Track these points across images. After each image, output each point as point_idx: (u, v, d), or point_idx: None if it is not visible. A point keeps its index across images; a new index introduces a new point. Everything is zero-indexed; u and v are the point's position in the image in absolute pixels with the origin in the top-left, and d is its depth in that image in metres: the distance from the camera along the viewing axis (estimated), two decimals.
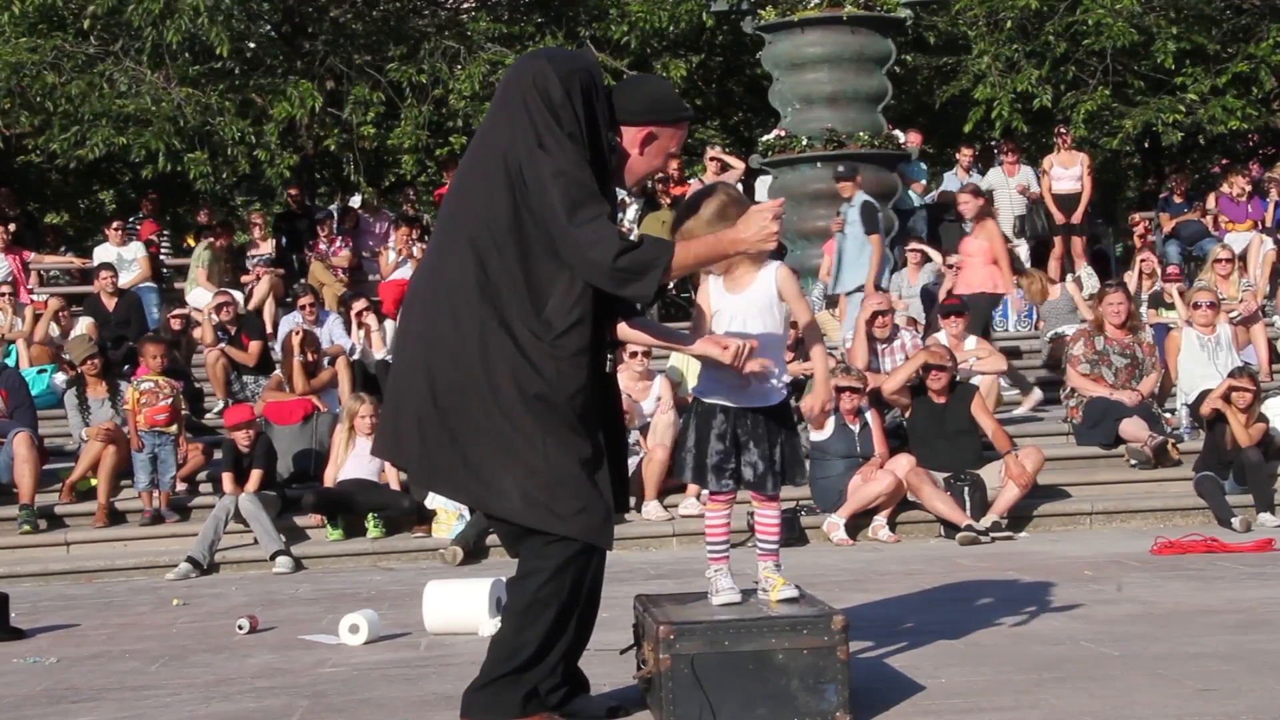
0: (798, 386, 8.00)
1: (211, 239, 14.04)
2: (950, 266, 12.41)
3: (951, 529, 8.29)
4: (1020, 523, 8.59)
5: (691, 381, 9.88)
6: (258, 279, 13.45)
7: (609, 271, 3.44)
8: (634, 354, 9.46)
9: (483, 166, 3.57)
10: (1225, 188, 14.33)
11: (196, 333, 12.02)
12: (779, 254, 4.35)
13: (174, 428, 9.29)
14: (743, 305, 4.07)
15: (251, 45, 16.14)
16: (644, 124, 3.64)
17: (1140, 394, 9.56)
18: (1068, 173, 14.08)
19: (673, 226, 3.98)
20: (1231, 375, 8.96)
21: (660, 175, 15.84)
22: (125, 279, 13.30)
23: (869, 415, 8.81)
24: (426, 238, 14.51)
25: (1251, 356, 10.76)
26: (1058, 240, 13.96)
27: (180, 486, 9.44)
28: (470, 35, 16.38)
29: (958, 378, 9.04)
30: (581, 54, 3.76)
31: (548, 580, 3.62)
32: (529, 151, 3.46)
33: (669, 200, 14.92)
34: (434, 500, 8.70)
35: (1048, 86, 16.00)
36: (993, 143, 17.17)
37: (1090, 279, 12.75)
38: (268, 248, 14.68)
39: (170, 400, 9.28)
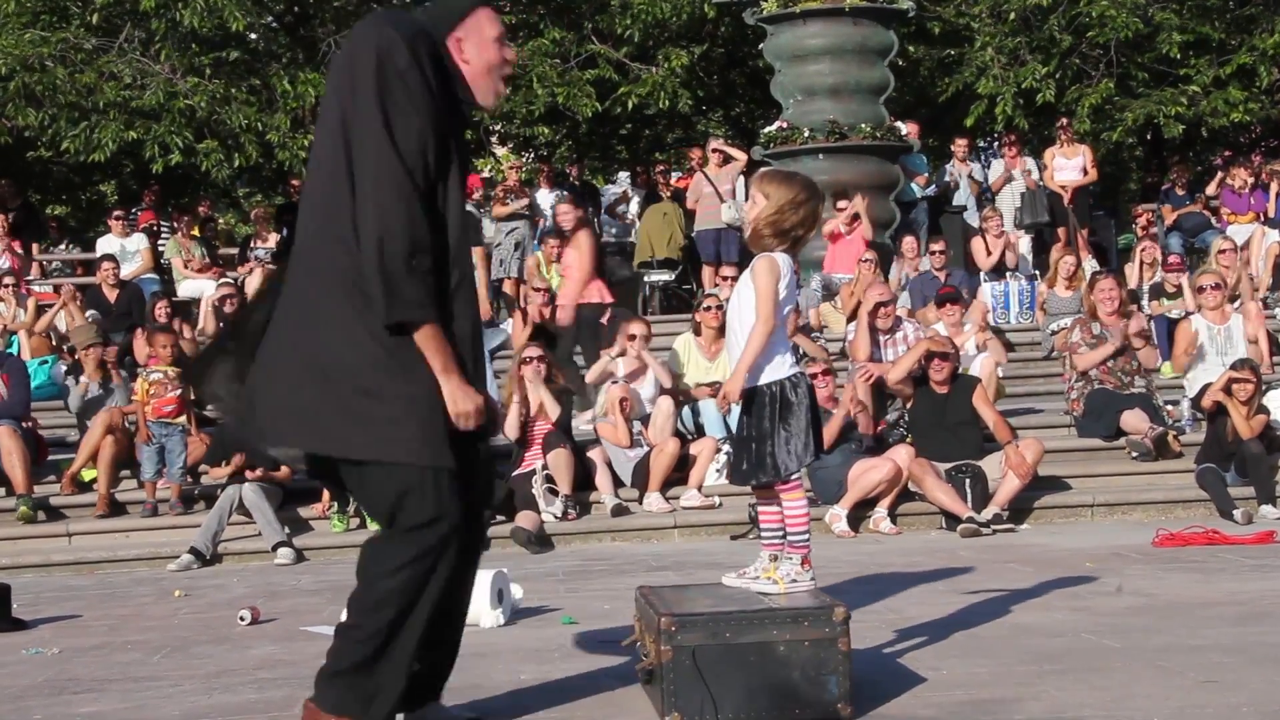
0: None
1: (178, 230, 14.03)
2: (934, 254, 12.42)
3: (952, 520, 8.28)
4: (1021, 515, 8.59)
5: (691, 372, 9.97)
6: (250, 272, 13.42)
7: (394, 263, 3.23)
8: (631, 336, 9.47)
9: (337, 148, 3.35)
10: (1228, 180, 14.31)
11: (191, 327, 11.98)
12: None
13: (183, 419, 9.29)
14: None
15: (253, 36, 16.13)
16: (451, 32, 3.43)
17: (1140, 318, 9.78)
18: (1070, 164, 14.07)
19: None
20: (1233, 367, 8.95)
21: (660, 167, 15.85)
22: (127, 270, 13.28)
23: (843, 397, 8.82)
24: None
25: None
26: (1060, 232, 13.95)
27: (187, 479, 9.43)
28: None
29: (960, 368, 9.03)
30: (412, 16, 3.52)
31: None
32: (365, 125, 3.27)
33: (669, 193, 14.92)
34: None
35: (1051, 82, 15.97)
36: (994, 135, 17.15)
37: (1094, 270, 12.72)
38: (272, 240, 14.65)
39: (179, 391, 9.27)
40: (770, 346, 4.24)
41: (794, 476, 4.24)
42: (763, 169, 4.35)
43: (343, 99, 3.34)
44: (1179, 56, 16.17)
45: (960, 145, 14.96)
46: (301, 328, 3.38)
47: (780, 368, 4.26)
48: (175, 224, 14.26)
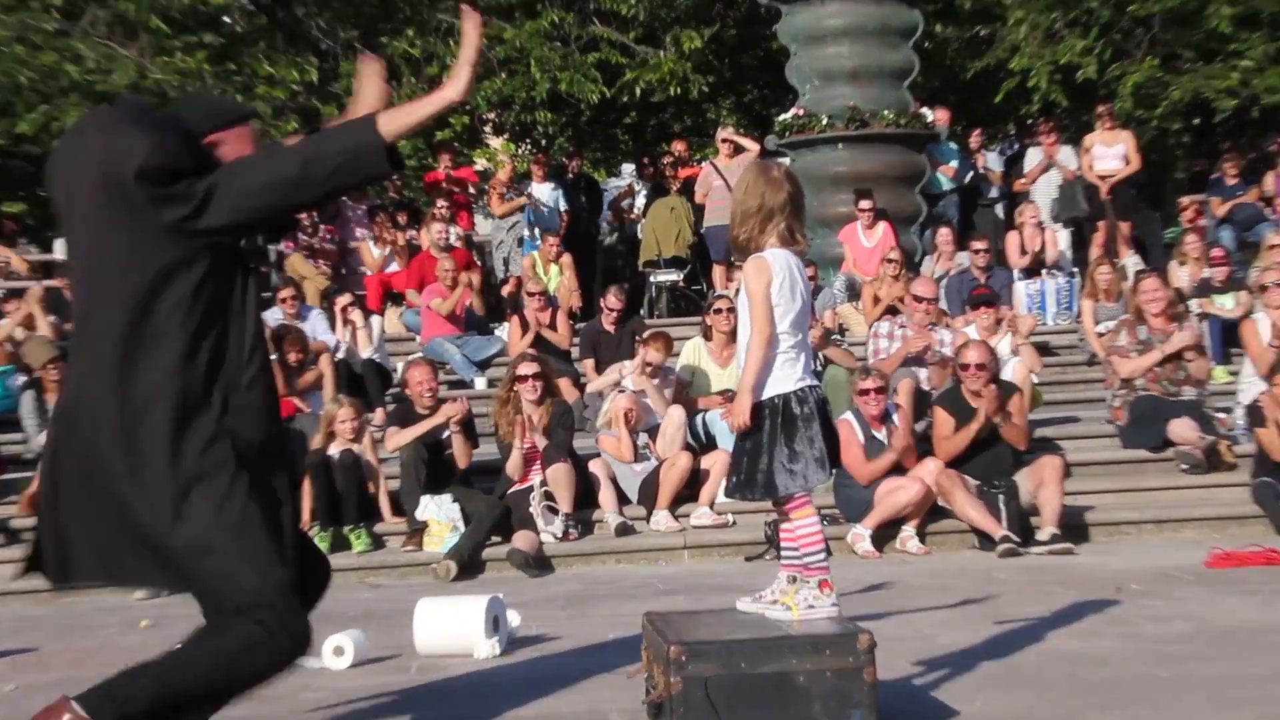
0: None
1: None
2: (976, 251, 12.36)
3: (986, 540, 8.25)
4: (1078, 533, 8.48)
5: (701, 380, 9.93)
6: None
7: (311, 176, 3.42)
8: (648, 364, 9.42)
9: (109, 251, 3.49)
10: None
11: None
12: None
13: None
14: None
15: (227, 20, 16.18)
16: (211, 133, 3.65)
17: (1193, 329, 9.69)
18: (1111, 151, 14.01)
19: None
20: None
21: (669, 159, 15.87)
22: None
23: (896, 416, 8.76)
24: (415, 225, 14.52)
25: None
26: (1101, 225, 13.91)
27: None
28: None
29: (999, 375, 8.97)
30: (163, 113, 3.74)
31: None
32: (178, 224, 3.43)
33: (677, 186, 14.92)
34: (425, 511, 8.69)
35: (1092, 57, 15.91)
36: (1028, 119, 17.13)
37: (1137, 268, 12.67)
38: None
39: None
40: (773, 356, 4.23)
41: (799, 494, 4.22)
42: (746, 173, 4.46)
43: (113, 215, 3.46)
44: (1229, 32, 16.11)
45: (975, 135, 14.95)
46: (87, 443, 3.51)
47: (784, 380, 4.25)
48: None
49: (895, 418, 8.75)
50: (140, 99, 3.80)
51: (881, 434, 8.67)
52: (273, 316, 11.48)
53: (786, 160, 14.14)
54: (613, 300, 11.35)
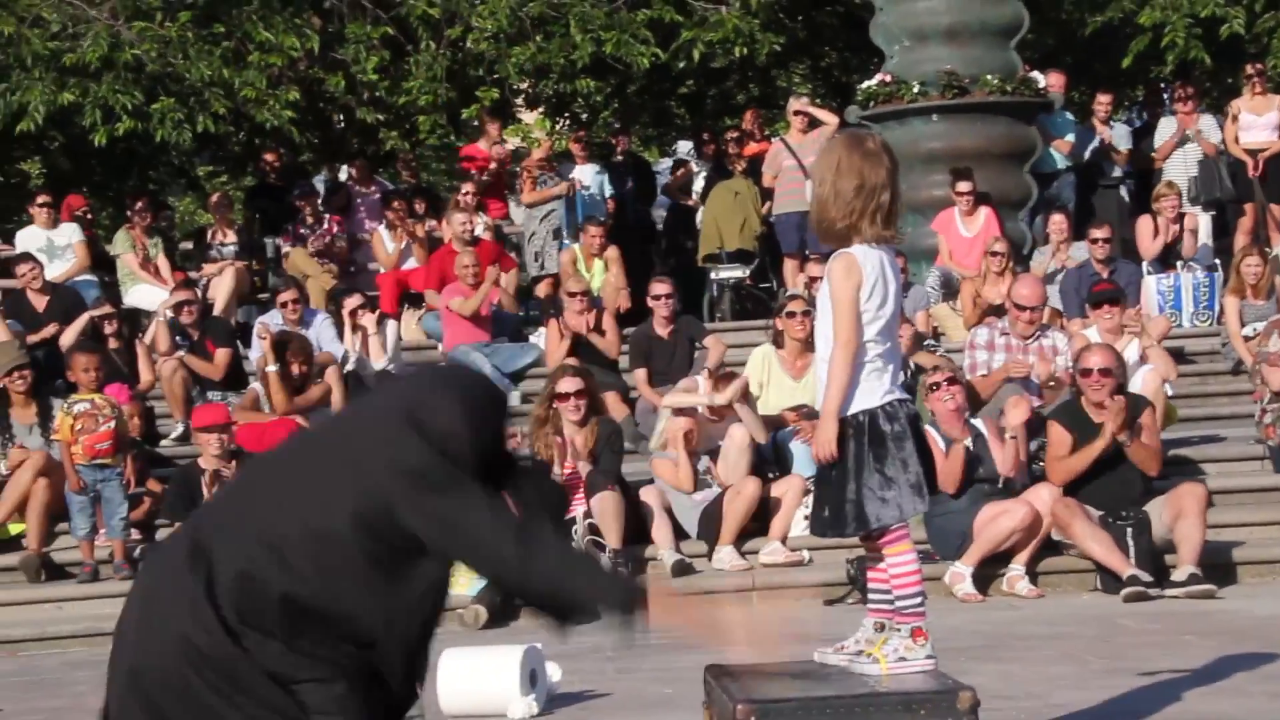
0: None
1: (130, 220, 14.02)
2: (1095, 241, 12.29)
3: (1111, 580, 8.21)
4: (1221, 573, 8.41)
5: (772, 393, 9.92)
6: (219, 272, 13.50)
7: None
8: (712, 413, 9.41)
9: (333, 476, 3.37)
10: None
11: (146, 338, 12.11)
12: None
13: (119, 457, 9.36)
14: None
15: None
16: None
17: None
18: (1261, 120, 13.90)
19: None
20: None
21: (734, 135, 15.92)
22: (57, 271, 13.39)
23: (981, 424, 8.75)
24: (435, 215, 14.60)
25: None
26: (1249, 208, 13.79)
27: (132, 534, 9.50)
28: None
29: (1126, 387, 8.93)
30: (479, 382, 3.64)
31: None
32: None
33: (742, 166, 14.93)
34: None
35: (1239, 8, 15.74)
36: (1163, 84, 16.99)
37: None
38: (232, 235, 14.75)
39: (114, 423, 9.36)
40: (857, 368, 4.26)
41: (895, 527, 4.24)
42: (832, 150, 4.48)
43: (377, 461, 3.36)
44: None
45: (1101, 103, 14.86)
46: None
47: (870, 393, 4.28)
48: (130, 211, 14.33)
49: (977, 423, 8.75)
50: (469, 369, 3.86)
51: (966, 439, 8.62)
52: (273, 321, 11.61)
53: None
54: (657, 288, 11.37)
